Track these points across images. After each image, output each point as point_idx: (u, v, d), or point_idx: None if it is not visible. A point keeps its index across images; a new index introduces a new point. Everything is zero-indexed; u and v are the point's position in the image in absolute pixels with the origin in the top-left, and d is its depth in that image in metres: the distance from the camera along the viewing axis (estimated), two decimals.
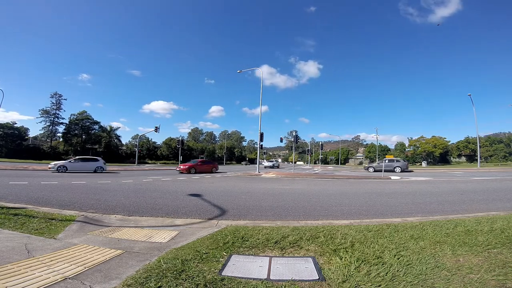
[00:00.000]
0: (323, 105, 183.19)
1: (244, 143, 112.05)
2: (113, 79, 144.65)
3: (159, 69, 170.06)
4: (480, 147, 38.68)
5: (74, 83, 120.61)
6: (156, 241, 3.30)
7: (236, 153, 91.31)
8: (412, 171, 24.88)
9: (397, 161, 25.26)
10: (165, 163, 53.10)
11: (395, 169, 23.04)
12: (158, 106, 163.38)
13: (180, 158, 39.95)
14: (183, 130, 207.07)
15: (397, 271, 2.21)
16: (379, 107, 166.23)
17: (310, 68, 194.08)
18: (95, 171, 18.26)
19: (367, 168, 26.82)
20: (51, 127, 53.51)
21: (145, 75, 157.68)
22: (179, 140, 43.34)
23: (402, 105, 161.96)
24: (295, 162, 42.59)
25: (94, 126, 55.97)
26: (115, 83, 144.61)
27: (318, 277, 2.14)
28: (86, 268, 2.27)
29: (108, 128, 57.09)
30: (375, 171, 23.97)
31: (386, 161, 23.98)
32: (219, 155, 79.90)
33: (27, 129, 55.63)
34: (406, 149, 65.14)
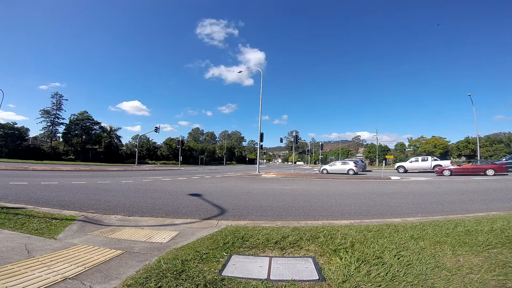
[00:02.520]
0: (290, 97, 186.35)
1: (244, 143, 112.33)
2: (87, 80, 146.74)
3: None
4: (480, 147, 38.59)
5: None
6: (156, 241, 3.30)
7: (236, 153, 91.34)
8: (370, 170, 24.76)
9: (345, 163, 24.56)
10: (165, 163, 53.12)
11: (349, 172, 22.65)
12: (129, 105, 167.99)
13: (180, 158, 39.94)
14: (165, 130, 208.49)
15: (397, 271, 2.21)
16: (376, 107, 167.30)
17: (254, 55, 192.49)
18: None
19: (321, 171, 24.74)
20: (51, 127, 53.54)
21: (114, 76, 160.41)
22: (179, 141, 43.44)
23: (402, 105, 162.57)
24: (295, 162, 42.56)
25: (95, 127, 55.95)
26: (87, 84, 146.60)
27: (318, 277, 2.14)
28: (86, 268, 2.27)
29: (109, 129, 57.05)
30: (328, 173, 23.43)
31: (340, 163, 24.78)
32: (219, 155, 79.92)
33: (27, 129, 55.52)
34: (406, 149, 65.15)
